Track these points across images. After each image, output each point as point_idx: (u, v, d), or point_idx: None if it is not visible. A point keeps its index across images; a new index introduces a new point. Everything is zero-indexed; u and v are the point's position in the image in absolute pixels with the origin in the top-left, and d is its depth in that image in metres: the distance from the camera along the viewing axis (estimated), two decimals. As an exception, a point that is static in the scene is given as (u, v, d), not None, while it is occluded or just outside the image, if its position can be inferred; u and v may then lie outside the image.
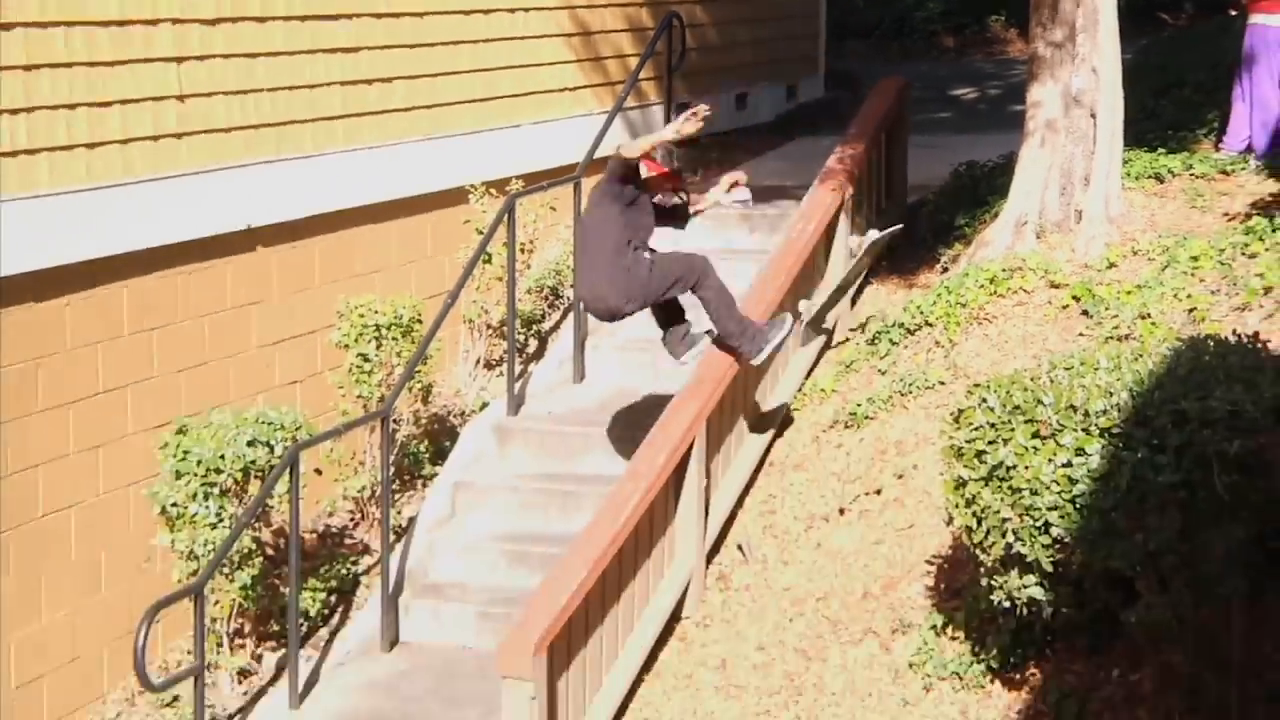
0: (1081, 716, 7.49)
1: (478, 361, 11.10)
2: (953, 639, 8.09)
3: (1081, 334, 9.50)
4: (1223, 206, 10.62)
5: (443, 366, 10.77)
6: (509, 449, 10.03)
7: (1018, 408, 7.21)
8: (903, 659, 8.17)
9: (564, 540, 8.72)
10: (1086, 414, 7.02)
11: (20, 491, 8.27)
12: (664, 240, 9.32)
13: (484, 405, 10.61)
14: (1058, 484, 6.96)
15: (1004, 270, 10.11)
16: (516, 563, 9.19)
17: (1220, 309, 9.25)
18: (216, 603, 8.61)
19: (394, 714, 8.44)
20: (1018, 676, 7.79)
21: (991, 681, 7.84)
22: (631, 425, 9.72)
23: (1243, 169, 11.06)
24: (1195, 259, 9.63)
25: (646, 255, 8.79)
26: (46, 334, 8.41)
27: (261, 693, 8.70)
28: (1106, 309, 9.54)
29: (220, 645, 8.70)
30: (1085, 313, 9.65)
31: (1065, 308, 9.79)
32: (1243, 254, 9.62)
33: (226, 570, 8.55)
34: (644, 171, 8.80)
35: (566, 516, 9.30)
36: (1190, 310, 9.25)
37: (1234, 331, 7.71)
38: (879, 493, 9.17)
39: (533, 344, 11.35)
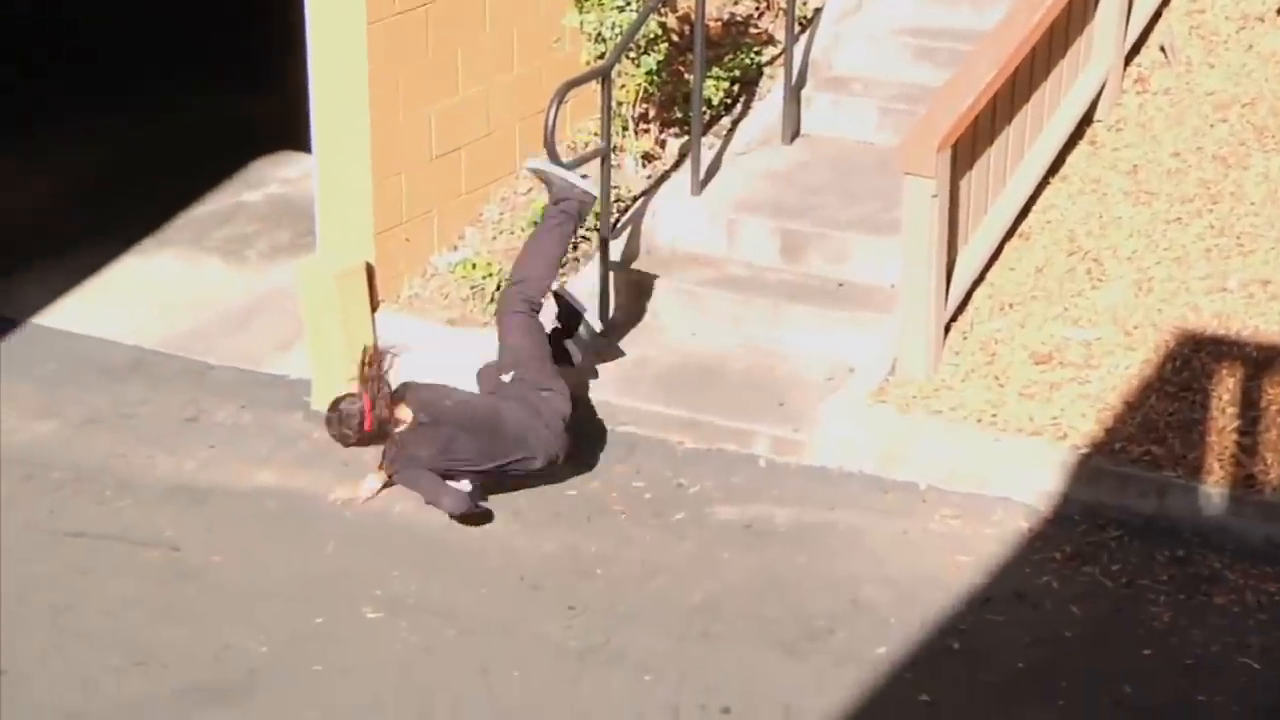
0: None
1: None
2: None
3: None
4: None
5: None
6: (921, -62, 8.92)
7: None
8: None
9: (974, 36, 7.74)
10: None
11: (433, -36, 7.61)
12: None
13: (895, -106, 9.39)
14: None
15: None
16: (922, 57, 8.27)
17: None
18: (622, 86, 7.97)
19: (792, 204, 7.79)
20: None
21: None
22: (1051, -82, 8.42)
23: None
24: None
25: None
26: None
27: (664, 177, 8.12)
28: None
29: (625, 129, 8.11)
30: None
31: None
32: None
33: (633, 54, 7.88)
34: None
35: (978, 11, 8.28)
36: None
37: None
38: (1327, -11, 7.91)
39: None
